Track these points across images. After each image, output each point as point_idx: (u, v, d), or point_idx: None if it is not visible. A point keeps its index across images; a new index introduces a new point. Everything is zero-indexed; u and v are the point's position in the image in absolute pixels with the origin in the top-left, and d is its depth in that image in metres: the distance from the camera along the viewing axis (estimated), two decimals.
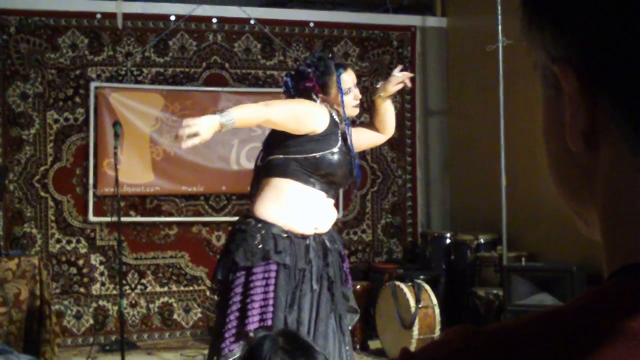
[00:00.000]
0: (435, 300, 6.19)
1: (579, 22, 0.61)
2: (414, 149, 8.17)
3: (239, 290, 3.66)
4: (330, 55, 3.96)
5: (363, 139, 4.17)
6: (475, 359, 0.59)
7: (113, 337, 7.06)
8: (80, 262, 7.21)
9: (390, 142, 7.59)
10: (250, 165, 6.48)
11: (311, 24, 7.86)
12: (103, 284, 7.25)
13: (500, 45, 6.41)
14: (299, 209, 3.75)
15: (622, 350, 0.54)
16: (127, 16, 7.20)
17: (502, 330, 0.60)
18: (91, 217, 7.20)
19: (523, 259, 6.37)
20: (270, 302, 3.61)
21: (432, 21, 8.26)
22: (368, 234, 8.04)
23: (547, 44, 0.64)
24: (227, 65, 7.63)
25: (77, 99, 7.21)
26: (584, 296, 0.60)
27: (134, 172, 7.16)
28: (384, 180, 8.08)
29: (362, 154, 7.39)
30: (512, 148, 6.42)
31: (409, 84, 4.07)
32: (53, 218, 7.16)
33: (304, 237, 3.76)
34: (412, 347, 5.73)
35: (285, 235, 3.70)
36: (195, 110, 6.74)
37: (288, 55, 7.76)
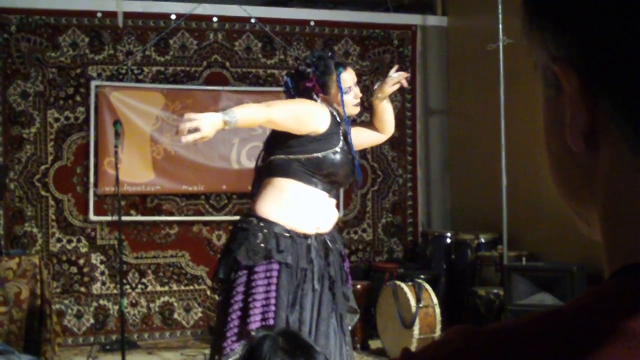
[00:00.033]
0: (435, 300, 6.18)
1: (579, 22, 0.61)
2: (415, 148, 8.16)
3: (240, 289, 3.66)
4: (330, 54, 3.96)
5: (363, 138, 4.16)
6: (476, 358, 0.59)
7: (114, 337, 7.06)
8: (81, 261, 7.21)
9: (390, 142, 7.60)
10: (250, 164, 6.49)
11: (312, 23, 7.86)
12: (104, 283, 7.25)
13: (501, 44, 6.40)
14: (301, 208, 3.75)
15: (622, 350, 0.54)
16: (127, 15, 7.20)
17: (503, 330, 0.60)
18: (92, 216, 7.20)
19: (523, 258, 6.37)
20: (272, 301, 3.61)
21: (432, 20, 8.26)
22: (369, 233, 8.04)
23: (548, 44, 0.64)
24: (227, 64, 7.63)
25: (78, 98, 7.21)
26: (584, 296, 0.60)
27: (135, 171, 7.16)
28: (385, 180, 8.08)
29: (363, 154, 7.39)
30: (512, 147, 6.41)
31: (405, 84, 4.07)
32: (54, 217, 7.16)
33: (306, 236, 3.76)
34: (413, 347, 5.73)
35: (287, 234, 3.70)
36: (196, 109, 6.70)
37: (289, 54, 7.76)
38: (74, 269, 7.19)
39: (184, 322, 7.45)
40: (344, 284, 3.93)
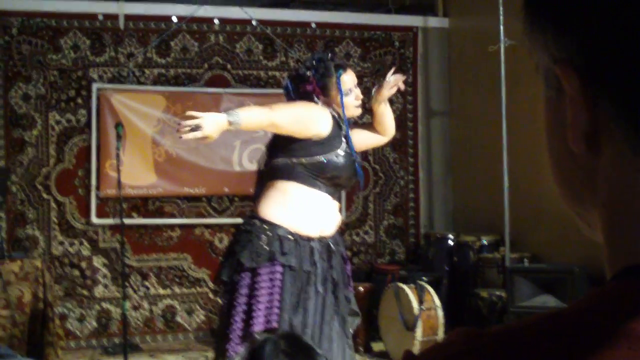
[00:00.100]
0: (438, 302, 6.18)
1: (580, 23, 0.61)
2: (416, 150, 8.16)
3: (244, 291, 3.65)
4: (330, 56, 3.95)
5: (364, 139, 4.16)
6: None
7: (116, 340, 7.07)
8: (83, 264, 7.21)
9: (392, 143, 7.60)
10: (252, 166, 6.50)
11: (313, 25, 7.86)
12: (106, 287, 7.25)
13: (502, 45, 6.40)
14: (304, 211, 3.75)
15: (624, 352, 0.54)
16: (128, 17, 7.22)
17: (505, 332, 0.60)
18: (94, 219, 7.20)
19: (526, 260, 6.37)
20: (276, 303, 3.61)
21: (434, 22, 8.26)
22: (370, 235, 8.04)
23: (549, 45, 0.64)
24: (229, 66, 7.64)
25: (79, 100, 7.22)
26: (586, 298, 0.60)
27: (136, 174, 7.16)
28: (387, 182, 8.08)
29: (365, 155, 7.39)
30: (514, 149, 6.41)
31: (402, 87, 4.07)
32: (55, 220, 7.16)
33: (309, 239, 3.75)
34: (415, 349, 5.73)
35: (290, 237, 3.69)
36: (198, 111, 6.73)
37: (290, 56, 7.77)
38: (77, 272, 7.19)
39: (186, 325, 7.45)
40: (346, 287, 3.93)
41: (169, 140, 7.20)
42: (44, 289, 5.96)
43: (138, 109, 7.22)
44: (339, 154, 3.79)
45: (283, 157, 3.77)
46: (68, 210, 7.19)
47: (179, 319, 7.43)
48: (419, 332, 6.01)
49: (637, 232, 0.61)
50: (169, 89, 7.39)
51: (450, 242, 7.22)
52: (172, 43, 7.48)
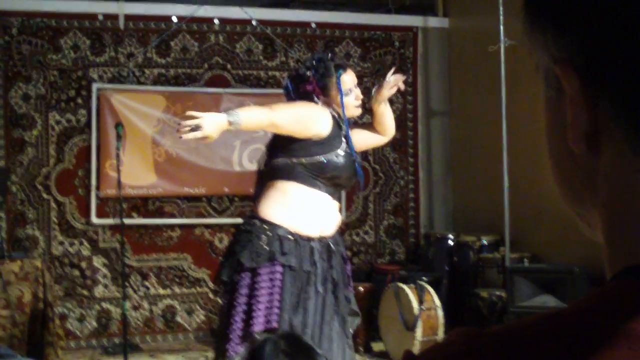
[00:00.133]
0: (438, 302, 6.18)
1: (580, 23, 0.61)
2: (416, 150, 8.16)
3: (244, 291, 3.65)
4: (329, 56, 3.95)
5: (363, 139, 4.16)
6: None
7: (116, 340, 7.07)
8: (83, 264, 7.21)
9: (392, 143, 7.60)
10: (252, 166, 6.50)
11: (313, 25, 7.86)
12: (106, 287, 7.25)
13: (502, 45, 6.40)
14: (304, 211, 3.75)
15: (624, 352, 0.54)
16: (128, 17, 7.22)
17: (505, 332, 0.60)
18: (94, 219, 7.20)
19: (526, 260, 6.37)
20: (276, 303, 3.61)
21: (434, 22, 8.26)
22: (370, 235, 8.04)
23: (549, 46, 0.64)
24: (229, 66, 7.64)
25: (79, 100, 7.22)
26: (586, 298, 0.60)
27: (136, 174, 7.16)
28: (387, 182, 8.08)
29: (365, 155, 7.38)
30: (514, 149, 6.41)
31: (402, 87, 4.07)
32: (56, 220, 7.16)
33: (309, 239, 3.75)
34: (415, 349, 5.73)
35: (291, 237, 3.69)
36: (198, 111, 6.73)
37: (290, 56, 7.76)
38: (76, 272, 7.19)
39: (186, 325, 7.45)
40: (346, 287, 3.93)
41: (169, 140, 7.20)
42: (44, 289, 5.96)
43: (138, 109, 7.22)
44: (339, 154, 3.79)
45: (283, 157, 3.77)
46: (68, 210, 7.19)
47: (179, 319, 7.43)
48: (419, 332, 6.01)
49: (638, 232, 0.61)
50: (169, 89, 7.39)
51: (450, 242, 7.22)
52: (172, 43, 7.48)
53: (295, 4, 7.91)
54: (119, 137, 5.96)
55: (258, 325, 3.56)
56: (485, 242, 6.94)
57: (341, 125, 3.89)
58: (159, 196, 7.35)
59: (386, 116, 4.12)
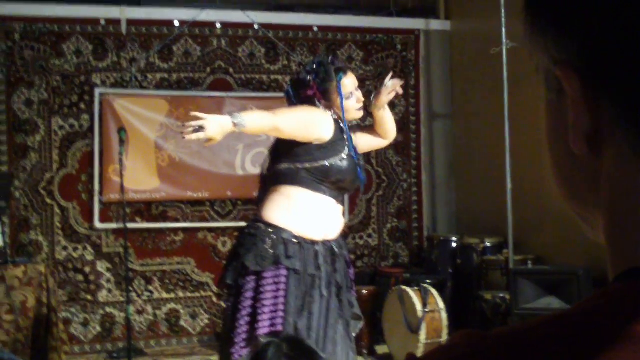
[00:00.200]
0: (442, 304, 6.17)
1: (580, 24, 0.61)
2: (419, 152, 8.16)
3: (249, 294, 3.65)
4: (330, 60, 3.95)
5: (365, 142, 4.18)
6: None
7: (120, 344, 7.06)
8: (87, 269, 7.21)
9: (395, 146, 7.61)
10: (255, 170, 6.49)
11: (315, 28, 7.87)
12: (110, 291, 7.25)
13: (504, 47, 6.40)
14: (309, 215, 3.75)
15: (627, 354, 0.54)
16: (131, 22, 7.23)
17: (508, 334, 0.60)
18: (97, 224, 7.21)
19: (529, 262, 6.36)
20: (281, 307, 3.60)
21: (436, 24, 8.26)
22: (374, 238, 8.04)
23: (550, 48, 0.64)
24: (231, 70, 7.64)
25: (82, 106, 7.23)
26: (589, 300, 0.60)
27: (140, 179, 7.16)
28: (390, 185, 8.08)
29: (367, 159, 7.39)
30: (517, 150, 6.40)
31: (400, 92, 4.08)
32: (59, 225, 7.17)
33: (314, 243, 3.75)
34: (420, 352, 5.72)
35: (295, 240, 3.69)
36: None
37: (292, 60, 7.77)
38: (80, 277, 7.19)
39: (190, 329, 7.45)
40: (349, 291, 3.93)
41: (172, 144, 7.21)
42: (47, 294, 5.96)
43: (141, 113, 7.22)
44: (343, 158, 3.79)
45: (287, 162, 3.77)
46: (71, 215, 7.20)
47: (183, 323, 7.43)
48: (423, 335, 6.00)
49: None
50: (171, 94, 7.39)
51: (454, 245, 7.21)
52: (174, 47, 7.48)
53: (298, 7, 7.91)
54: (121, 142, 5.97)
55: (263, 329, 3.56)
56: (488, 245, 6.93)
57: (343, 128, 3.89)
58: (162, 200, 7.35)
59: (386, 120, 4.13)
